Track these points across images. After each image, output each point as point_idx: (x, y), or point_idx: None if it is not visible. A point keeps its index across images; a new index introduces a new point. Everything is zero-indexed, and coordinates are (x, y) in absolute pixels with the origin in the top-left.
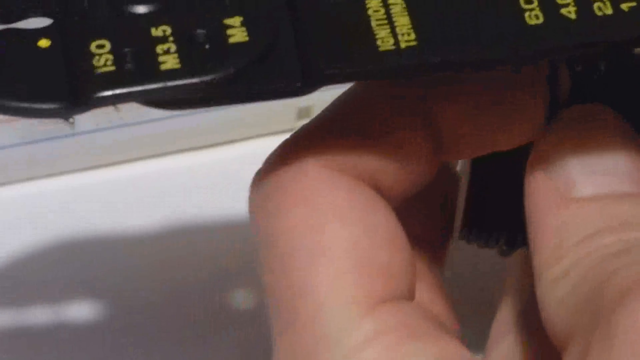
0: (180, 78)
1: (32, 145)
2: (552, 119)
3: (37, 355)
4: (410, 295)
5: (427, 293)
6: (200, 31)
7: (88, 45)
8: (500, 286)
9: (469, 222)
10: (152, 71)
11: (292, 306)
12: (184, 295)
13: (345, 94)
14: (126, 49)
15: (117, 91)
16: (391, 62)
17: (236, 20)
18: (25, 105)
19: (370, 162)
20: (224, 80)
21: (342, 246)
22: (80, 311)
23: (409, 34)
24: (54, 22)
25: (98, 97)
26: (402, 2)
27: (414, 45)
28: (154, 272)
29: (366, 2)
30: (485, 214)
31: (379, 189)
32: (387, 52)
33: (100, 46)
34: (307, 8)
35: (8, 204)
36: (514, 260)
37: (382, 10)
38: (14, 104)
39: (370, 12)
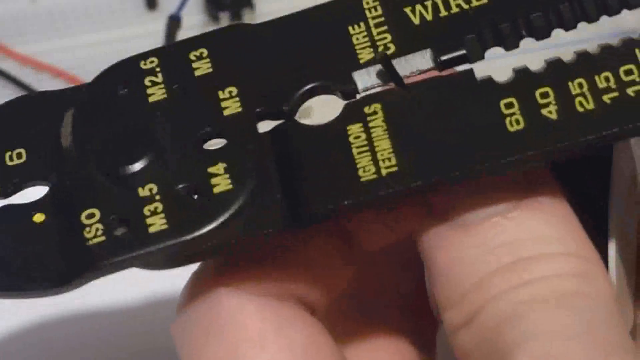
0: (168, 239)
1: None
2: None
3: None
4: None
5: None
6: (184, 185)
7: (79, 216)
8: None
9: None
10: (141, 236)
11: None
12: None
13: None
14: (113, 216)
15: (110, 261)
16: (373, 194)
17: (220, 168)
18: (18, 289)
19: (284, 283)
20: (212, 234)
21: None
22: (80, 311)
23: (390, 160)
24: (49, 189)
25: (93, 270)
26: (383, 123)
27: (394, 172)
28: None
29: (348, 128)
30: None
31: (301, 300)
32: (369, 183)
33: (91, 215)
34: (290, 142)
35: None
36: None
37: (363, 136)
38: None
39: (351, 138)
